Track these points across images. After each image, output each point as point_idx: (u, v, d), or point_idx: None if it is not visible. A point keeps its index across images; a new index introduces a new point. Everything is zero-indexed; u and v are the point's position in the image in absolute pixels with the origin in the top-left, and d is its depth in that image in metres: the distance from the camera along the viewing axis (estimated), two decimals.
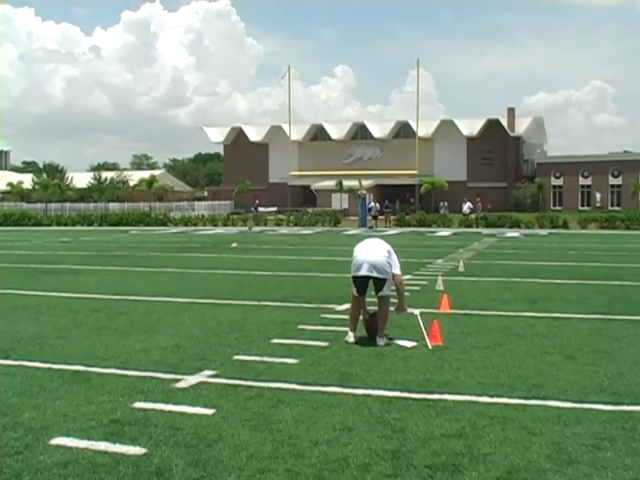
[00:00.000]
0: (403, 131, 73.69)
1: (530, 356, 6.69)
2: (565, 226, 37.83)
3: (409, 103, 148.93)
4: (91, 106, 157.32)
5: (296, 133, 74.17)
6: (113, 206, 64.33)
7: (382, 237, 8.57)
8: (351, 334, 7.37)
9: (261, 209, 62.47)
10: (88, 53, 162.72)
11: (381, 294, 7.38)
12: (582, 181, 67.49)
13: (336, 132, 75.46)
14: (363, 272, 7.30)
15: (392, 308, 7.63)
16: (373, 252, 7.39)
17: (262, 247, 23.77)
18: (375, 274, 7.28)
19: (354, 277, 7.41)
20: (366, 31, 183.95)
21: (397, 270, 7.43)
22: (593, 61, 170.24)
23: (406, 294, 8.09)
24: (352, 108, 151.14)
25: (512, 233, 33.48)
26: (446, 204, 50.86)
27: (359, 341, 7.30)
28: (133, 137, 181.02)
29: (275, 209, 63.77)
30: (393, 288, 7.50)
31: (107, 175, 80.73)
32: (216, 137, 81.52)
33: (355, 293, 7.45)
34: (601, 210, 55.01)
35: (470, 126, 70.89)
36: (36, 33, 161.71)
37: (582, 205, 66.01)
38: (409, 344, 7.19)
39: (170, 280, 13.42)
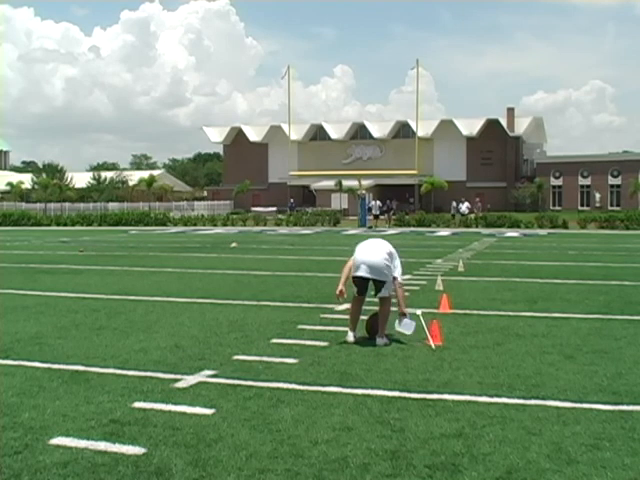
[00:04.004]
0: (403, 131, 73.71)
1: (529, 356, 6.69)
2: (564, 226, 37.83)
3: (409, 103, 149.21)
4: (91, 106, 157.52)
5: (296, 133, 74.16)
6: (112, 206, 64.28)
7: (383, 237, 8.56)
8: (351, 334, 7.36)
9: (260, 209, 62.72)
10: (87, 53, 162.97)
11: (380, 295, 7.38)
12: (581, 181, 67.53)
13: (336, 132, 75.45)
14: (361, 273, 7.29)
15: (395, 308, 7.63)
16: (372, 253, 7.35)
17: (261, 247, 23.77)
18: (373, 276, 7.26)
19: (354, 277, 7.41)
20: (366, 31, 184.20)
21: (397, 274, 7.38)
22: (592, 61, 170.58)
23: (406, 294, 8.07)
24: (351, 108, 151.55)
25: (511, 233, 33.48)
26: (456, 204, 50.14)
27: (359, 341, 7.29)
28: (133, 137, 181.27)
29: (274, 209, 63.83)
30: (387, 294, 7.52)
31: (106, 175, 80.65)
32: (216, 137, 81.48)
33: (355, 293, 7.46)
34: (600, 210, 55.07)
35: (470, 126, 70.90)
36: (35, 33, 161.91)
37: (581, 205, 66.05)
38: (408, 329, 7.24)
39: (169, 280, 13.41)
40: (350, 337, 7.32)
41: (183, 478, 3.84)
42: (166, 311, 9.50)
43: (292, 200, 63.57)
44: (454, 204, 48.28)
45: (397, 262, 7.43)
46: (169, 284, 12.73)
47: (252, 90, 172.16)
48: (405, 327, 7.38)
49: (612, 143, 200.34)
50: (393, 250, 7.47)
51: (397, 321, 7.43)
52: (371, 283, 7.40)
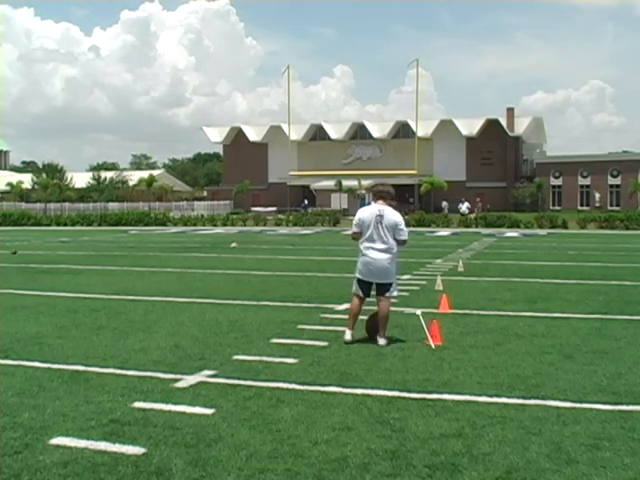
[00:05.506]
0: (402, 131, 73.70)
1: (529, 356, 6.69)
2: (564, 226, 37.83)
3: (408, 103, 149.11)
4: (90, 106, 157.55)
5: (295, 133, 74.14)
6: (112, 206, 64.30)
7: None
8: (349, 332, 7.30)
9: (260, 209, 62.75)
10: (87, 53, 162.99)
11: (388, 294, 7.37)
12: (581, 181, 67.54)
13: (335, 132, 75.44)
14: (368, 278, 7.27)
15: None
16: (379, 253, 7.24)
17: (261, 247, 23.77)
18: (380, 280, 7.27)
19: (361, 281, 7.35)
20: (366, 31, 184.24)
21: (405, 237, 7.40)
22: (592, 61, 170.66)
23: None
24: (351, 108, 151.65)
25: (511, 233, 33.48)
26: (448, 204, 50.91)
27: (358, 340, 7.27)
28: (133, 137, 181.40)
29: (274, 209, 63.83)
30: (395, 294, 7.58)
31: (106, 175, 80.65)
32: (215, 137, 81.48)
33: (360, 294, 7.41)
34: (600, 210, 55.09)
35: (469, 126, 70.91)
36: (35, 33, 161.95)
37: (581, 205, 66.06)
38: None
39: (169, 280, 13.42)
40: (348, 335, 7.27)
41: (183, 478, 3.84)
42: (166, 311, 9.50)
43: (306, 201, 63.72)
44: (444, 204, 48.67)
45: (403, 227, 7.40)
46: (169, 284, 12.73)
47: (252, 90, 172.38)
48: None
49: (612, 143, 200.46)
50: (399, 220, 7.39)
51: None
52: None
